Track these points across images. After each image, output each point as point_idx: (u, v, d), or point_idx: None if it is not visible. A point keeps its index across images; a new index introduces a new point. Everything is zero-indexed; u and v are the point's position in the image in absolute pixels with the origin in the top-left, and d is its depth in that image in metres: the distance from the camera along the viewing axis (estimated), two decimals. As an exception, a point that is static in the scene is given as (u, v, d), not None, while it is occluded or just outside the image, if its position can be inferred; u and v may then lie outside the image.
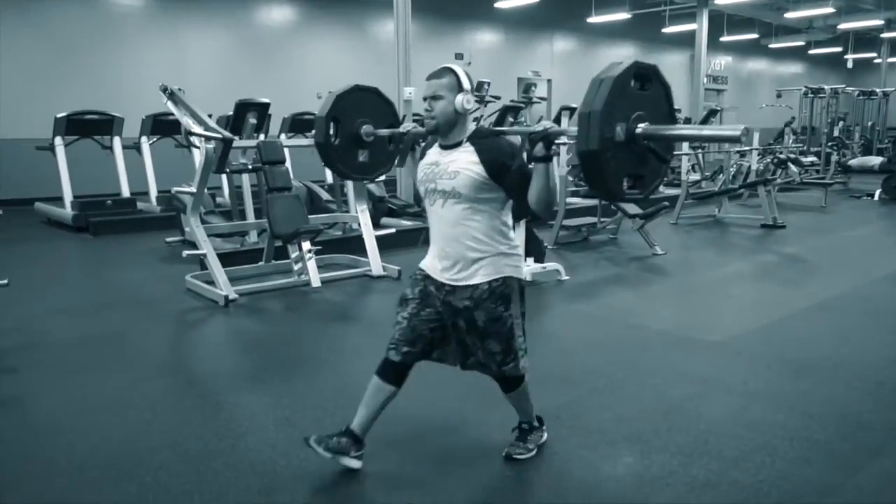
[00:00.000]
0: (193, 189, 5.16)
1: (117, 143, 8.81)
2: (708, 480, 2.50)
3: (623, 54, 17.93)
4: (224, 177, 8.09)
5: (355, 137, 4.19)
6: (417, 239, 5.88)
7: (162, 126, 8.90)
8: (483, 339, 2.42)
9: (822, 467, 2.63)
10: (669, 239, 7.55)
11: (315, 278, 5.27)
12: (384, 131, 4.09)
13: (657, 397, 3.28)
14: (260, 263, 5.66)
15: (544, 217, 2.30)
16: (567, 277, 5.63)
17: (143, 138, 9.00)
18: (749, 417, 3.06)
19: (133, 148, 8.92)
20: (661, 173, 2.30)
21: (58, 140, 8.32)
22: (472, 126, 2.42)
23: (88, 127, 8.62)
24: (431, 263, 2.49)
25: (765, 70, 22.49)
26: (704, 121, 13.61)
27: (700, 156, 12.33)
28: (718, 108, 15.04)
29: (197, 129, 5.10)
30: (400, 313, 2.50)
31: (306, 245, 5.27)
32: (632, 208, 7.04)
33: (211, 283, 5.02)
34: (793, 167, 9.70)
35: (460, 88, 2.35)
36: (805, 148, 13.85)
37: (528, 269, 5.42)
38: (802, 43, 20.00)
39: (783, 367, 3.70)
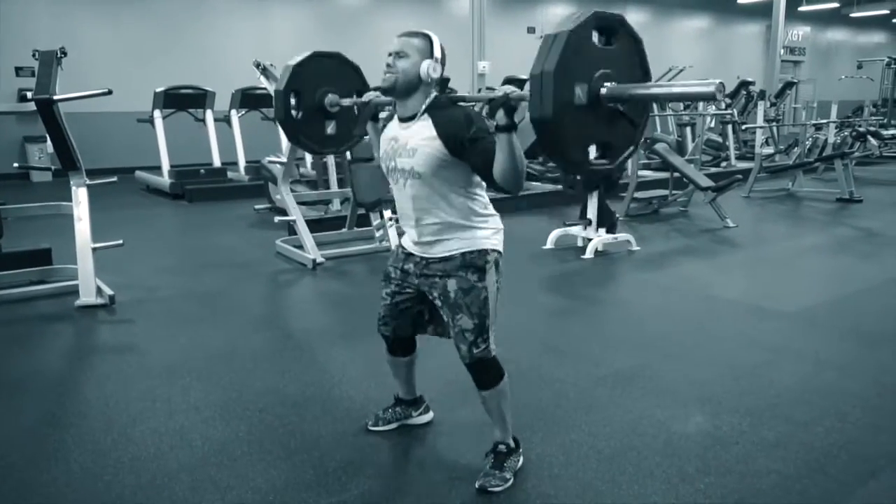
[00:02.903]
0: (283, 159, 5.43)
1: (209, 115, 9.25)
2: (777, 441, 2.56)
3: (697, 26, 17.48)
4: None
5: (319, 109, 3.87)
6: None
7: (250, 99, 9.30)
8: (454, 315, 2.22)
9: (894, 434, 2.64)
10: (741, 212, 7.51)
11: (395, 244, 5.51)
12: (347, 101, 3.76)
13: (728, 363, 3.36)
14: (343, 230, 5.90)
15: (512, 192, 2.05)
16: (638, 248, 5.72)
17: (233, 111, 9.39)
18: (820, 384, 3.10)
19: (223, 120, 9.33)
20: (633, 140, 2.03)
21: (156, 113, 8.80)
22: (431, 96, 2.18)
23: (183, 101, 9.09)
24: (406, 239, 2.36)
25: (845, 40, 21.51)
26: (780, 94, 13.25)
27: (775, 129, 12.05)
28: (795, 81, 14.59)
29: (286, 101, 5.38)
30: (384, 289, 2.45)
31: (387, 213, 5.50)
32: (704, 181, 7.05)
33: (299, 247, 5.32)
34: (872, 140, 9.42)
35: (430, 55, 2.13)
36: (886, 120, 13.33)
37: (599, 239, 5.56)
38: (887, 11, 18.99)
39: (857, 338, 3.71)
